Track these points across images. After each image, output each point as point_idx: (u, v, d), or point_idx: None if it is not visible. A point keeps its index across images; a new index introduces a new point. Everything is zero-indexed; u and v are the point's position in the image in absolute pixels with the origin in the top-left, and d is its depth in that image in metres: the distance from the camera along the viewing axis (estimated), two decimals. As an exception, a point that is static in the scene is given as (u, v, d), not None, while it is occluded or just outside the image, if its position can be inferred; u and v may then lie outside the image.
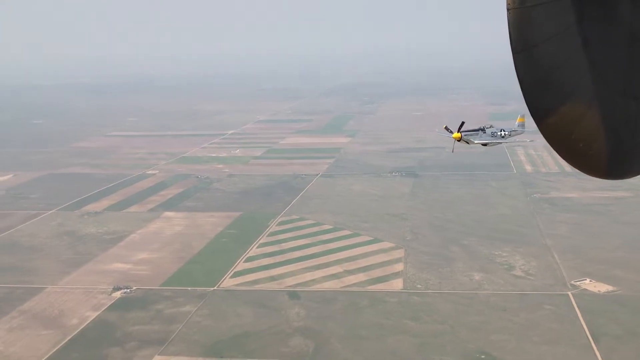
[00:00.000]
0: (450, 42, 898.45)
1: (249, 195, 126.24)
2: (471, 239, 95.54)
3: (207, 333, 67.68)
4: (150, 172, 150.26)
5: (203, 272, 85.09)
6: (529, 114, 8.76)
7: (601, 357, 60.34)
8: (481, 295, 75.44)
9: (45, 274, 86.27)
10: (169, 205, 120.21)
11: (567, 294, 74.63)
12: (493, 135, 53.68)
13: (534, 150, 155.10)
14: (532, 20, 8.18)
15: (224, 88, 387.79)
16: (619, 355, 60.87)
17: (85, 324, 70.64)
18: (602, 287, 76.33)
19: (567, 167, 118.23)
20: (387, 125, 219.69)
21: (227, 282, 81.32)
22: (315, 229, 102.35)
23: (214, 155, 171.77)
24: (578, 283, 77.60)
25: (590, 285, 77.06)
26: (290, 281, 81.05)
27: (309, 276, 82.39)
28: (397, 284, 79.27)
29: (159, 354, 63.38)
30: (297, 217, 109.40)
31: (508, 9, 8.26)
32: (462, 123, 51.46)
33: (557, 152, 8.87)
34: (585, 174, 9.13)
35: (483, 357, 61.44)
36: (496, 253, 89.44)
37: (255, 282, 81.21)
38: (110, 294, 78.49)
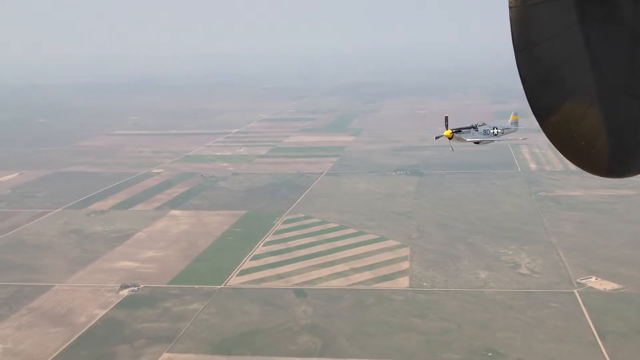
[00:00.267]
0: (451, 42, 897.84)
1: (254, 194, 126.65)
2: (476, 237, 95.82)
3: (214, 331, 68.08)
4: (155, 170, 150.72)
5: (210, 270, 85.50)
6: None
7: (607, 355, 60.59)
8: (487, 293, 75.73)
9: (53, 272, 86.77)
10: (174, 203, 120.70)
11: (573, 292, 74.89)
12: (485, 133, 51.86)
13: (538, 149, 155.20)
14: (534, 18, 8.18)
15: (226, 87, 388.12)
16: (625, 353, 61.12)
17: (94, 321, 71.08)
18: (608, 285, 76.58)
19: (572, 165, 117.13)
20: (390, 124, 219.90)
21: (234, 280, 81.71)
22: (321, 227, 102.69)
23: (218, 154, 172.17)
24: (584, 281, 77.86)
25: (596, 283, 77.32)
26: (296, 279, 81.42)
27: (315, 274, 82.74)
28: (403, 282, 79.59)
29: (167, 352, 63.80)
30: (303, 215, 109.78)
31: (510, 7, 8.27)
32: (446, 118, 49.85)
33: (559, 150, 8.90)
34: (587, 172, 9.15)
35: (489, 354, 61.75)
36: (502, 251, 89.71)
37: (262, 280, 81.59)
38: (118, 292, 78.92)
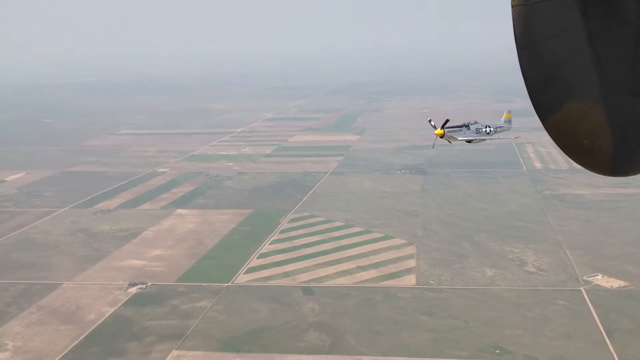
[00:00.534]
0: (451, 42, 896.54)
1: (260, 193, 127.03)
2: (482, 236, 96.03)
3: (223, 328, 68.46)
4: (160, 170, 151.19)
5: (217, 268, 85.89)
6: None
7: (615, 352, 60.77)
8: (494, 291, 75.97)
9: (61, 270, 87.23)
10: (181, 202, 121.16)
11: (580, 290, 75.10)
12: (478, 131, 51.58)
13: (543, 147, 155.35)
14: (537, 16, 8.14)
15: (230, 87, 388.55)
16: (632, 350, 61.30)
17: (103, 319, 71.53)
18: (615, 283, 76.77)
19: (576, 164, 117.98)
20: (395, 123, 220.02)
21: (241, 278, 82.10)
22: (327, 225, 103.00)
23: (223, 153, 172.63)
24: (590, 279, 78.05)
25: (602, 280, 77.50)
26: (303, 277, 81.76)
27: (322, 272, 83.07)
28: (409, 280, 79.88)
29: (176, 349, 64.19)
30: (308, 214, 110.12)
31: (512, 6, 8.25)
32: (447, 121, 49.43)
33: (561, 149, 8.83)
34: (590, 171, 9.05)
35: (497, 351, 61.99)
36: (508, 249, 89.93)
37: (269, 278, 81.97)
38: (126, 290, 79.37)
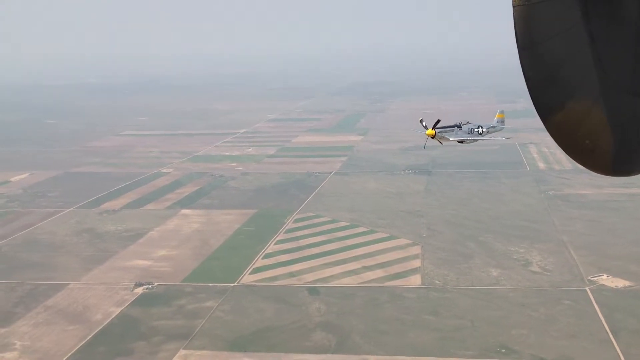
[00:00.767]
0: (451, 42, 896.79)
1: (264, 193, 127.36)
2: (487, 236, 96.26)
3: (229, 328, 68.76)
4: (164, 170, 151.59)
5: (223, 269, 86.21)
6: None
7: (621, 352, 60.99)
8: (499, 291, 76.20)
9: (68, 270, 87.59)
10: (185, 202, 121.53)
11: (585, 289, 75.31)
12: (470, 132, 50.66)
13: (546, 148, 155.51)
14: (538, 17, 8.21)
15: (232, 88, 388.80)
16: (638, 350, 61.49)
17: (110, 319, 71.86)
18: (620, 283, 76.99)
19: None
20: (398, 124, 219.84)
21: (247, 278, 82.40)
22: (332, 225, 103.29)
23: (227, 153, 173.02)
24: (595, 278, 78.26)
25: (607, 280, 77.71)
26: (309, 277, 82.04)
27: (327, 272, 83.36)
28: (415, 280, 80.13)
29: (183, 348, 64.51)
30: (313, 214, 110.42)
31: (514, 6, 8.31)
32: (438, 121, 48.57)
33: (562, 149, 8.88)
34: (592, 171, 9.12)
35: (503, 351, 62.20)
36: (512, 249, 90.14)
37: (275, 278, 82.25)
38: (133, 290, 79.70)
